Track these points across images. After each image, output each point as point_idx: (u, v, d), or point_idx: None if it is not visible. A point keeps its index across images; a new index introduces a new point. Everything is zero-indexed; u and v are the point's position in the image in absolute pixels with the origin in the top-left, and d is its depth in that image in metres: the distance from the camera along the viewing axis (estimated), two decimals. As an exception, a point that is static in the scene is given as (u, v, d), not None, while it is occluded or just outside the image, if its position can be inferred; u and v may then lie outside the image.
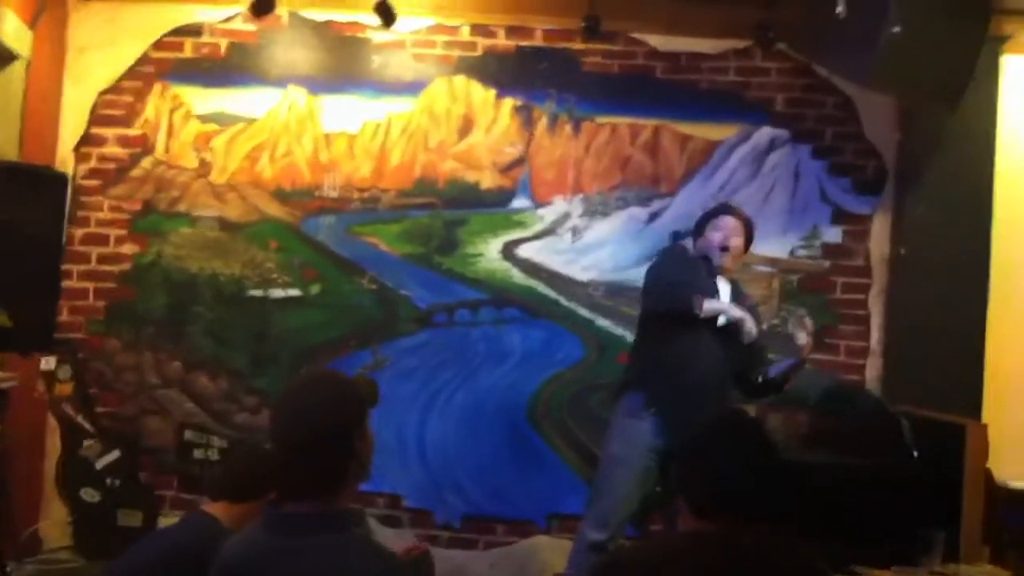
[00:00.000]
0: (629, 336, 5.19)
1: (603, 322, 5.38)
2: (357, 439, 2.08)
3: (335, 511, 2.07)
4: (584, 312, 5.39)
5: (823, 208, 5.39)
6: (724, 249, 4.27)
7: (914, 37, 4.07)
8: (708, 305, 4.05)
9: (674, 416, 4.02)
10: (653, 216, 5.43)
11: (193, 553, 2.56)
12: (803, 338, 4.14)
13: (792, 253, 5.39)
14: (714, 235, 4.30)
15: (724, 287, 4.32)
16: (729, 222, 4.32)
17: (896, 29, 4.04)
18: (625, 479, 4.12)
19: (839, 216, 5.38)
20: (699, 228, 4.42)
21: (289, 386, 2.23)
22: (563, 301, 5.41)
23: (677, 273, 4.22)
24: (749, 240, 4.42)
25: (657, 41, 5.46)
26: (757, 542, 2.08)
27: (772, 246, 5.36)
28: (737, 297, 4.35)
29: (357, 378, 2.23)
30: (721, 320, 4.07)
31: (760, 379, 4.29)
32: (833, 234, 5.38)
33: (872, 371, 5.28)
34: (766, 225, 5.34)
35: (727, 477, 2.12)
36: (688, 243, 4.57)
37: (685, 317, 4.03)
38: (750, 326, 4.05)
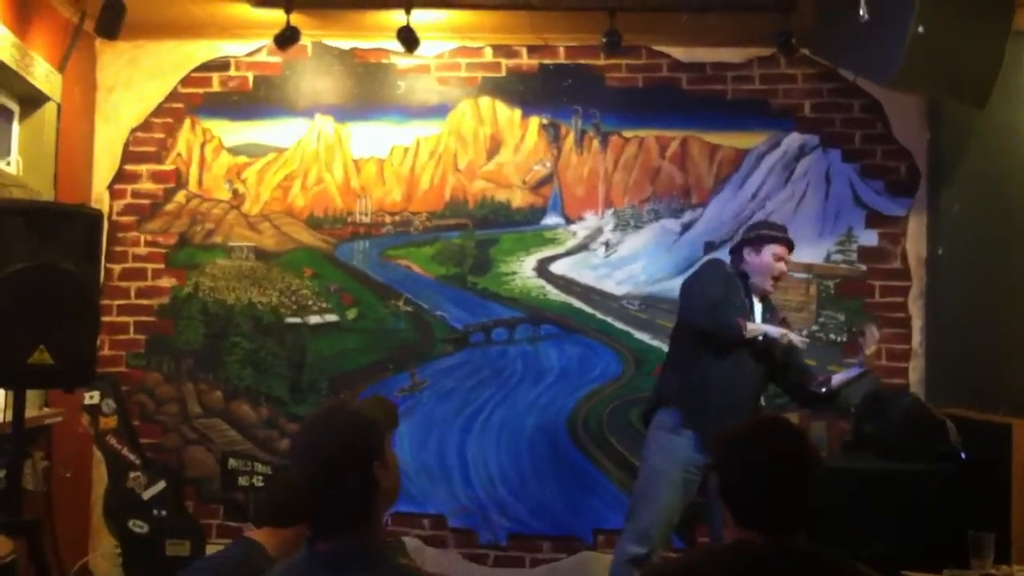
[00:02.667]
0: (666, 348, 5.19)
1: (639, 335, 5.37)
2: (377, 468, 2.03)
3: (372, 545, 2.04)
4: (620, 326, 5.39)
5: (857, 211, 5.36)
6: (777, 279, 4.38)
7: (939, 36, 4.03)
8: (752, 327, 4.12)
9: (707, 432, 4.03)
10: (685, 227, 5.43)
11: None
12: (871, 346, 4.23)
13: (828, 258, 5.36)
14: (775, 264, 4.34)
15: (758, 305, 4.39)
16: (786, 253, 4.38)
17: (921, 29, 4.01)
18: (666, 493, 4.13)
19: (873, 219, 5.35)
20: (753, 244, 4.39)
21: (301, 426, 2.20)
22: (598, 316, 5.40)
23: (720, 292, 4.23)
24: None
25: (680, 53, 5.47)
26: (801, 551, 2.07)
27: (807, 252, 5.33)
28: (769, 312, 4.41)
29: (373, 401, 2.20)
30: (760, 337, 4.13)
31: (824, 390, 4.33)
32: (868, 237, 5.34)
33: (915, 374, 5.24)
34: (800, 231, 5.30)
35: (770, 485, 2.10)
36: (725, 258, 4.59)
37: (729, 341, 4.10)
38: (794, 339, 4.15)
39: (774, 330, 4.16)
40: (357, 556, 2.00)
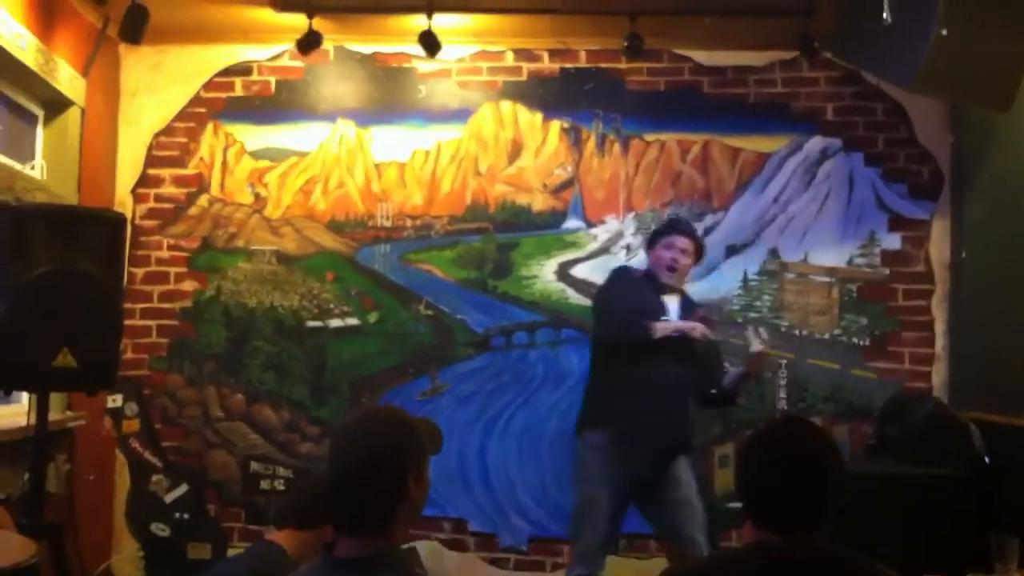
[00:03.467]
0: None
1: (661, 339, 5.35)
2: (412, 480, 2.02)
3: (389, 552, 2.03)
4: (640, 330, 5.37)
5: (880, 215, 5.34)
6: (672, 269, 4.31)
7: (963, 39, 4.01)
8: (661, 327, 4.11)
9: (637, 445, 4.09)
10: (706, 231, 5.40)
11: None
12: (756, 345, 4.23)
13: (850, 262, 5.34)
14: (664, 253, 4.33)
15: (672, 302, 4.35)
16: (679, 241, 4.33)
17: (944, 32, 3.99)
18: (597, 515, 4.17)
19: (896, 222, 5.33)
20: (650, 244, 4.47)
21: (350, 416, 2.20)
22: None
23: (625, 299, 4.26)
24: (699, 256, 4.48)
25: (701, 56, 5.46)
26: (820, 554, 2.05)
27: (830, 255, 5.34)
28: (687, 309, 4.38)
29: (422, 421, 2.19)
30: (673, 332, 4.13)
31: (713, 391, 4.35)
32: (891, 241, 5.32)
33: (938, 377, 5.22)
34: (822, 235, 5.33)
35: (788, 485, 2.09)
36: (635, 264, 4.70)
37: (640, 344, 4.08)
38: (701, 331, 4.11)
39: (685, 325, 4.15)
40: (375, 562, 1.99)
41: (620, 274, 4.50)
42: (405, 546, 5.02)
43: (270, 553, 2.82)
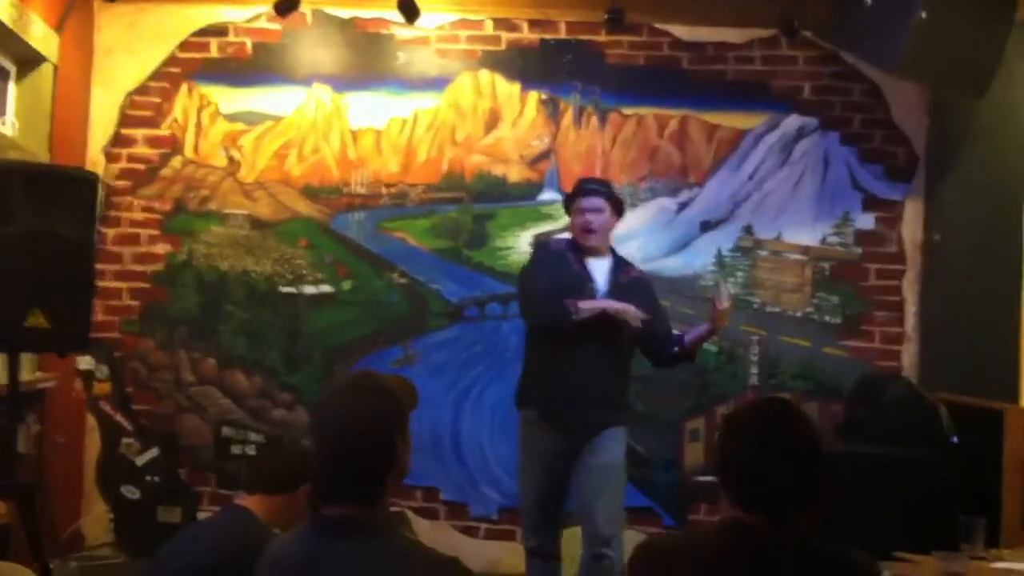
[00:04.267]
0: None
1: (634, 313, 5.37)
2: (399, 442, 2.05)
3: (379, 515, 2.06)
4: (615, 303, 5.38)
5: (854, 195, 5.38)
6: (588, 231, 4.13)
7: (942, 24, 4.05)
8: (584, 306, 3.96)
9: (567, 421, 4.03)
10: (682, 206, 5.44)
11: (233, 546, 2.58)
12: (724, 302, 4.02)
13: (824, 241, 5.38)
14: (577, 219, 4.18)
15: (601, 266, 4.19)
16: (587, 202, 4.16)
17: (923, 15, 4.01)
18: (533, 487, 4.15)
19: (871, 203, 5.37)
20: (566, 210, 4.34)
21: (329, 389, 2.21)
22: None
23: (544, 278, 4.12)
24: (618, 210, 4.25)
25: (681, 32, 5.46)
26: (795, 533, 2.07)
27: (803, 234, 5.38)
28: (618, 271, 4.22)
29: (397, 379, 2.21)
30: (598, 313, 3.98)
31: (676, 348, 4.21)
32: (865, 221, 5.37)
33: (908, 358, 5.28)
34: (797, 213, 5.37)
35: (772, 470, 2.10)
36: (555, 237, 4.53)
37: (564, 325, 3.96)
38: (633, 313, 3.96)
39: (612, 306, 3.98)
40: (364, 526, 2.01)
41: (538, 249, 4.40)
42: (395, 510, 5.05)
43: (241, 518, 2.81)
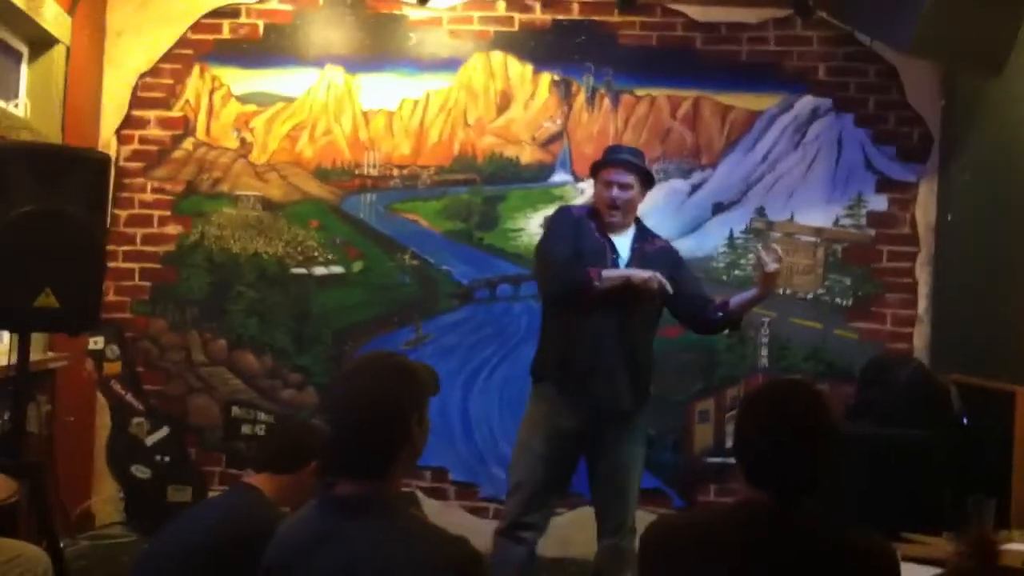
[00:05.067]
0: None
1: (645, 295, 5.36)
2: (415, 424, 2.07)
3: (389, 493, 2.08)
4: (626, 285, 5.37)
5: (868, 176, 5.34)
6: (614, 207, 3.88)
7: (956, 2, 4.00)
8: (607, 275, 3.72)
9: (584, 399, 3.78)
10: (694, 188, 5.41)
11: (240, 524, 2.59)
12: (772, 265, 3.72)
13: (836, 222, 5.34)
14: (603, 192, 3.91)
15: (623, 239, 3.93)
16: (618, 176, 3.88)
17: (938, -6, 3.98)
18: (535, 469, 3.84)
19: (884, 184, 5.33)
20: (593, 177, 4.04)
21: (351, 364, 2.22)
22: (605, 274, 5.39)
23: (563, 248, 3.84)
24: (647, 183, 4.00)
25: (695, 12, 5.42)
26: (810, 514, 2.07)
27: (816, 216, 5.34)
28: (643, 240, 3.98)
29: (420, 365, 2.22)
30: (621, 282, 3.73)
31: (720, 314, 3.91)
32: (878, 202, 5.33)
33: (920, 340, 5.25)
34: (810, 194, 5.34)
35: (785, 446, 2.10)
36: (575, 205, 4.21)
37: (585, 295, 3.72)
38: (657, 280, 3.68)
39: (638, 275, 3.71)
40: (375, 503, 2.03)
41: (558, 217, 4.07)
42: (404, 491, 5.06)
43: (249, 496, 2.83)
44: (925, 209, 5.28)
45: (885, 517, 2.95)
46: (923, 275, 5.27)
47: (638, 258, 3.90)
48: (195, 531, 2.70)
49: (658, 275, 3.70)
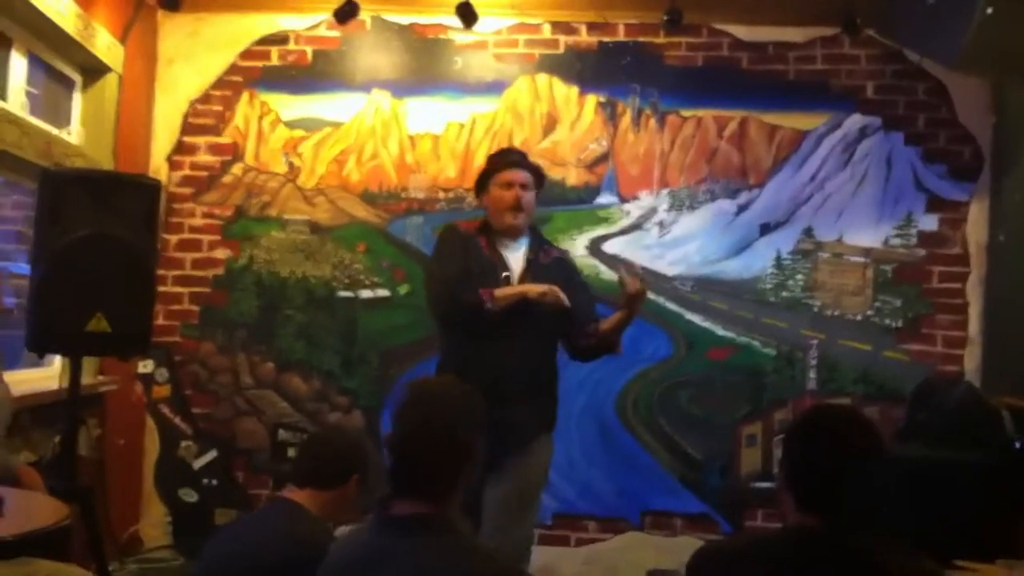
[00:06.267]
0: (718, 331, 5.22)
1: (691, 317, 5.33)
2: (477, 447, 2.14)
3: (447, 514, 2.11)
4: (672, 307, 5.34)
5: (918, 196, 5.27)
6: (518, 210, 3.72)
7: (1006, 17, 3.96)
8: (500, 293, 3.57)
9: (494, 429, 3.43)
10: (741, 208, 5.37)
11: (297, 543, 2.59)
12: (635, 284, 3.56)
13: (886, 242, 5.28)
14: (504, 194, 3.72)
15: (517, 253, 3.77)
16: (517, 176, 3.74)
17: (989, 11, 3.93)
18: None
19: (934, 203, 5.26)
20: (481, 186, 3.85)
21: (413, 390, 2.24)
22: (650, 296, 5.32)
23: (450, 268, 3.66)
24: (540, 183, 3.87)
25: (741, 31, 5.40)
26: (860, 540, 2.04)
27: (865, 235, 5.28)
28: (538, 249, 3.82)
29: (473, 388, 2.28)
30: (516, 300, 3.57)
31: (591, 339, 3.76)
32: (928, 222, 5.25)
33: (971, 361, 5.16)
34: (859, 214, 5.28)
35: (834, 471, 2.08)
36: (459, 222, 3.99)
37: (477, 316, 3.55)
38: (552, 295, 3.54)
39: (534, 289, 3.56)
40: (432, 524, 2.06)
41: (446, 236, 3.84)
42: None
43: (298, 513, 2.81)
44: (976, 228, 5.20)
45: (936, 542, 2.90)
46: (974, 296, 5.18)
47: (533, 271, 3.74)
48: (246, 552, 2.70)
49: (554, 288, 3.57)
